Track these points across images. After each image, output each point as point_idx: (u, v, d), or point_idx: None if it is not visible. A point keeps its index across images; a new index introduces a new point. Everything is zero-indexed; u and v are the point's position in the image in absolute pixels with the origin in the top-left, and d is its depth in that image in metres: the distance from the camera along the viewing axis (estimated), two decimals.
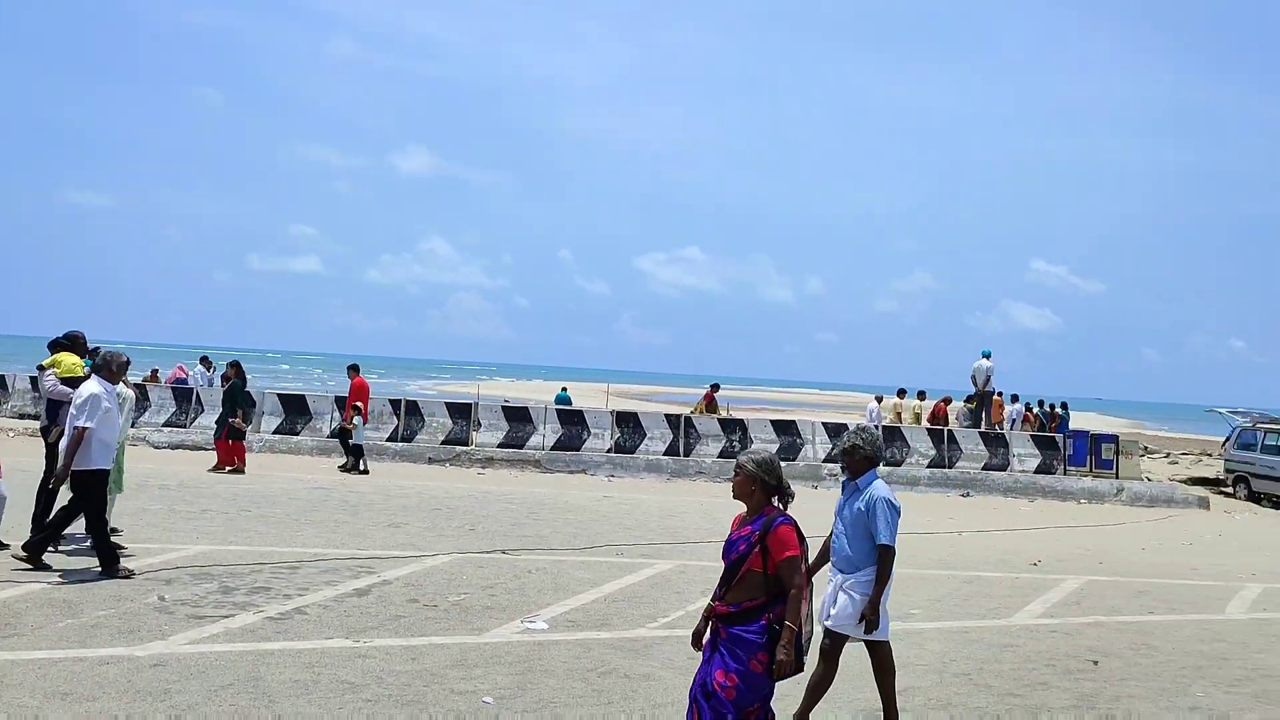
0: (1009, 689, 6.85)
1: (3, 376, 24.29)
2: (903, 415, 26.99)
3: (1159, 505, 21.22)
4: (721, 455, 21.31)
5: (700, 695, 4.54)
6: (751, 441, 21.62)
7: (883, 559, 5.59)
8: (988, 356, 24.71)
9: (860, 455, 5.79)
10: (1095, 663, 7.67)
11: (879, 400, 27.98)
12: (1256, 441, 24.65)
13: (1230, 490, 25.07)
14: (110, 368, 9.00)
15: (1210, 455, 35.93)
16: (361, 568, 9.48)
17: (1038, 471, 22.33)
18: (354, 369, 19.47)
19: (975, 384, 24.84)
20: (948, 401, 26.44)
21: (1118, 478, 22.38)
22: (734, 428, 22.19)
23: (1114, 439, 23.80)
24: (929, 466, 22.02)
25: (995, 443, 22.80)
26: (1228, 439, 26.35)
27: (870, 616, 5.58)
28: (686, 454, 21.32)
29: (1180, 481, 26.11)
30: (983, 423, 24.52)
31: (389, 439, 20.88)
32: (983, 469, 22.18)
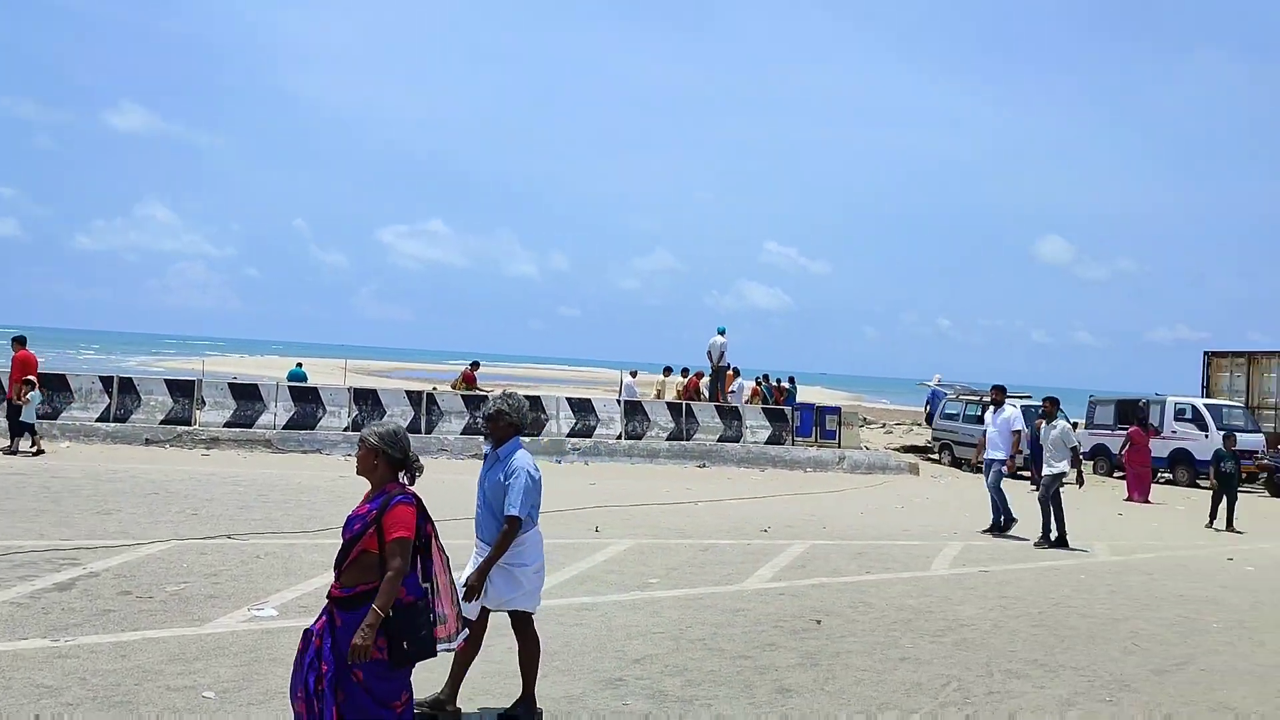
0: (741, 651, 7.13)
1: None
2: (664, 392, 27.82)
3: (875, 472, 22.88)
4: (465, 432, 21.07)
5: (315, 689, 4.17)
6: None
7: (509, 529, 5.39)
8: (722, 333, 25.70)
9: (505, 422, 5.57)
10: (819, 622, 8.13)
11: (633, 375, 28.67)
12: (958, 412, 27.04)
13: (936, 457, 27.40)
14: None
15: (920, 425, 39.12)
16: (64, 559, 8.64)
17: (768, 442, 23.50)
18: (19, 341, 17.83)
19: (711, 359, 25.81)
20: (700, 376, 27.35)
21: (840, 447, 23.91)
22: (477, 404, 21.97)
23: (837, 411, 25.42)
24: (668, 439, 22.68)
25: (730, 415, 23.78)
26: (927, 405, 28.81)
27: (474, 583, 5.33)
28: (429, 431, 20.93)
29: (894, 450, 28.25)
30: (718, 397, 25.53)
31: (99, 419, 19.20)
32: (718, 441, 23.08)
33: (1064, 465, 13.42)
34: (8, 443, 16.68)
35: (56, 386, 19.40)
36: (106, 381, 19.96)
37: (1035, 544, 13.05)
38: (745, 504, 15.88)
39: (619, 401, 23.51)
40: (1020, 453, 13.82)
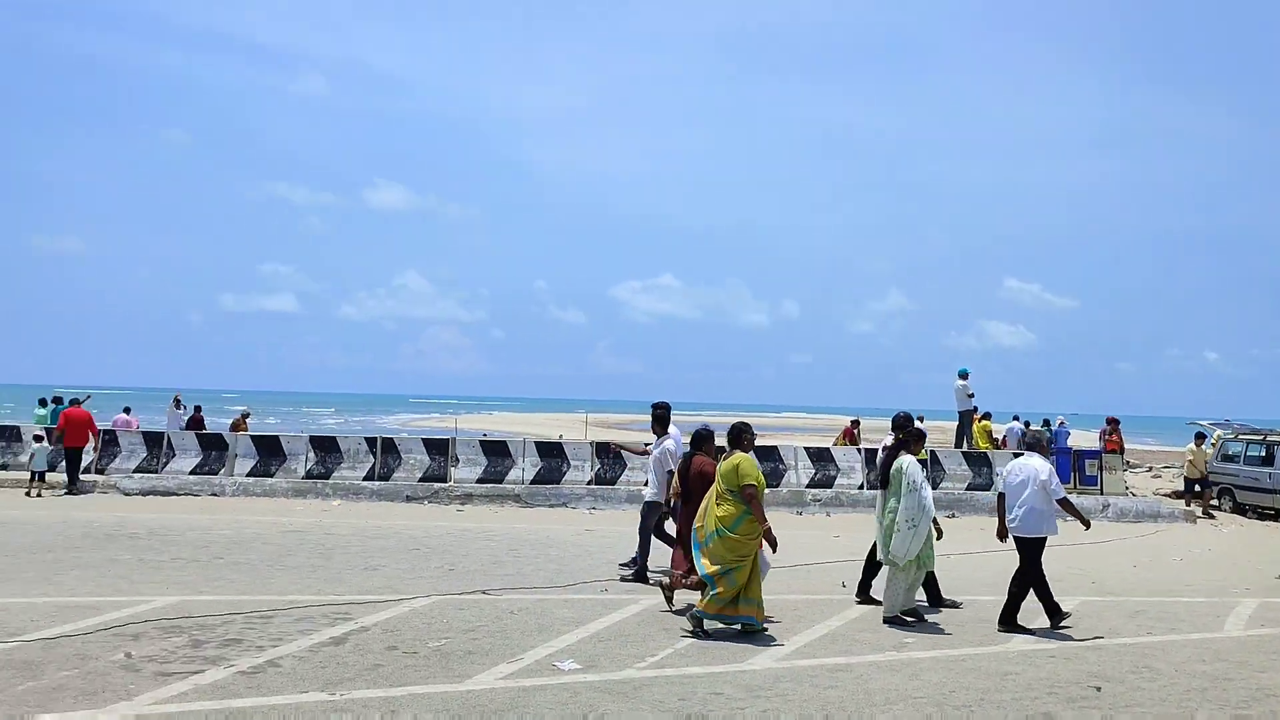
0: None
1: (17, 428, 23.14)
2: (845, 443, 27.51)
3: (1145, 520, 21.12)
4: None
5: None
6: None
7: None
8: (964, 376, 24.62)
9: None
10: (1098, 689, 7.45)
11: (856, 424, 28.43)
12: (1239, 453, 24.63)
13: (1216, 503, 24.99)
14: None
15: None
16: (338, 614, 9.15)
17: None
18: (75, 401, 20.97)
19: (960, 403, 24.72)
20: (856, 424, 28.41)
21: (1102, 494, 22.27)
22: (717, 454, 21.88)
23: (1098, 455, 23.72)
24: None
25: (978, 462, 22.64)
26: (1210, 447, 26.11)
27: None
28: None
29: (1164, 495, 26.04)
30: (964, 442, 24.40)
31: (365, 478, 20.53)
32: (967, 489, 22.01)
33: None
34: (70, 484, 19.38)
35: (328, 448, 20.98)
36: (371, 443, 21.35)
37: None
38: (1000, 557, 14.96)
39: (859, 450, 22.89)
40: None
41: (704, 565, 8.95)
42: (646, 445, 12.22)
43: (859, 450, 22.89)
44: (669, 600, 9.84)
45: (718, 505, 9.06)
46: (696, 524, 9.19)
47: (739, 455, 9.20)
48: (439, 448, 21.37)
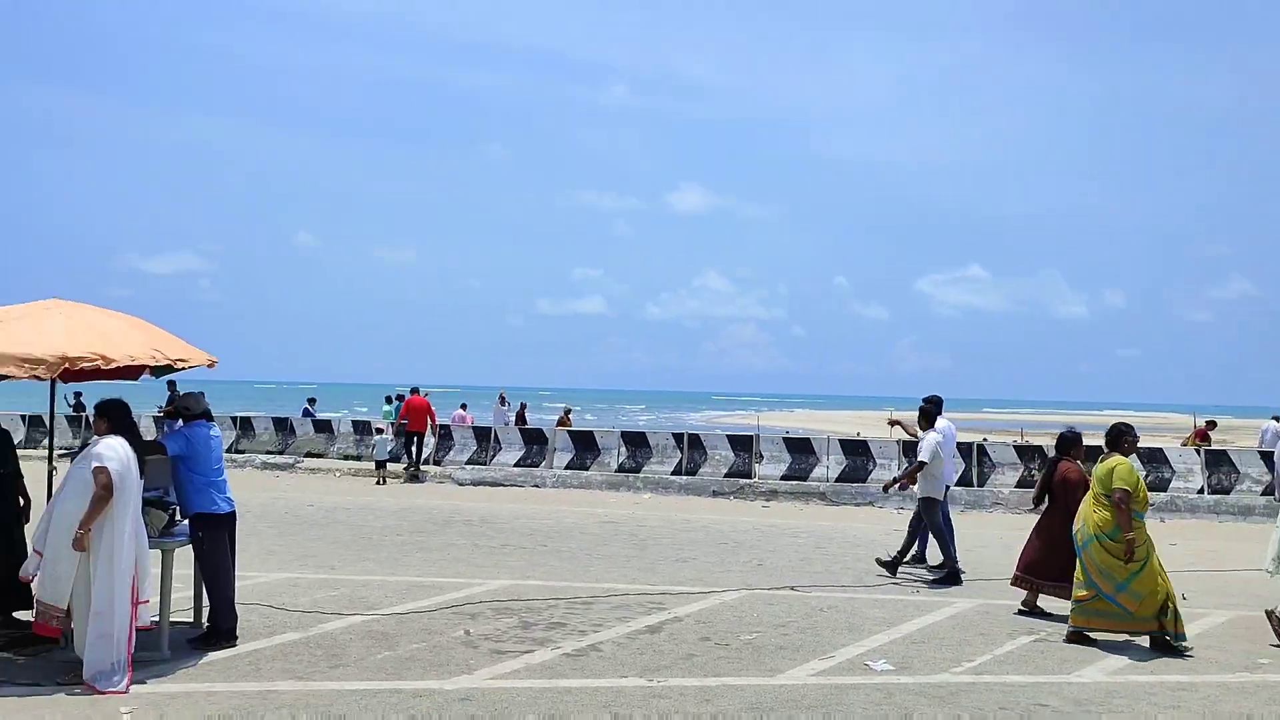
0: None
1: (329, 421, 26.75)
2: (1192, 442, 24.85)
3: None
4: (1020, 485, 20.01)
5: None
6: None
7: None
8: None
9: None
10: None
11: (1211, 425, 25.92)
12: None
13: None
14: None
15: None
16: (653, 604, 9.51)
17: None
18: (414, 391, 22.55)
19: None
20: (1211, 425, 25.10)
21: None
22: (1032, 455, 20.82)
23: None
24: (1265, 494, 19.67)
25: None
26: None
27: None
28: (981, 484, 20.19)
29: None
30: None
31: (673, 472, 21.17)
32: None
33: None
34: (413, 469, 21.74)
35: (638, 444, 21.84)
36: (678, 438, 22.00)
37: None
38: None
39: (1198, 451, 20.91)
40: None
41: (1095, 579, 8.48)
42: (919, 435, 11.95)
43: (1197, 451, 20.90)
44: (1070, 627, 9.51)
45: (1095, 510, 8.59)
46: (1075, 526, 8.77)
47: (1116, 458, 8.65)
48: (743, 444, 21.67)
